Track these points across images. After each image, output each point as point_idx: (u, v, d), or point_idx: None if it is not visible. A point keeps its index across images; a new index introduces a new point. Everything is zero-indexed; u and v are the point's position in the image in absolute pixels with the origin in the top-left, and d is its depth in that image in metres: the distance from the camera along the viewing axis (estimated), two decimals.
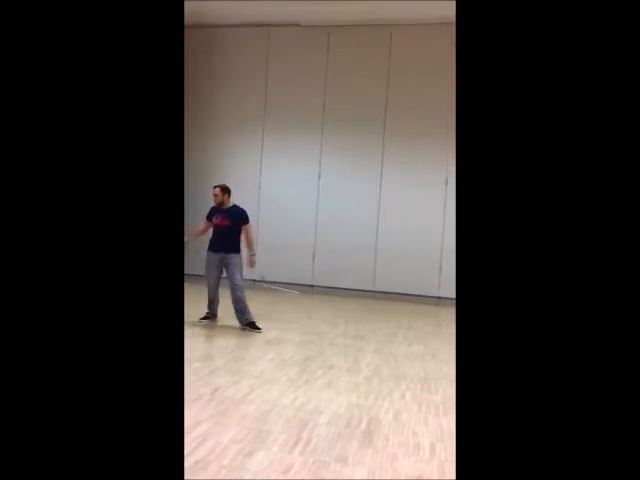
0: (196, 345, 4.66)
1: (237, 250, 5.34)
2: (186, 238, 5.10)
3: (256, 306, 6.98)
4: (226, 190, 5.41)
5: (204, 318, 5.43)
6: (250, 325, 5.24)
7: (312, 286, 8.36)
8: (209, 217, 5.49)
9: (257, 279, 8.52)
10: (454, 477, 1.35)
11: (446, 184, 7.73)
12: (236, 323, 5.30)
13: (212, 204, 5.49)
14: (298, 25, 8.28)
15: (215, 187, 5.47)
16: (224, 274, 5.37)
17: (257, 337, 5.07)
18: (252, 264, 5.44)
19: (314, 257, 8.43)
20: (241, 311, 5.26)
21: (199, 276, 7.99)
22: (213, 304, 5.47)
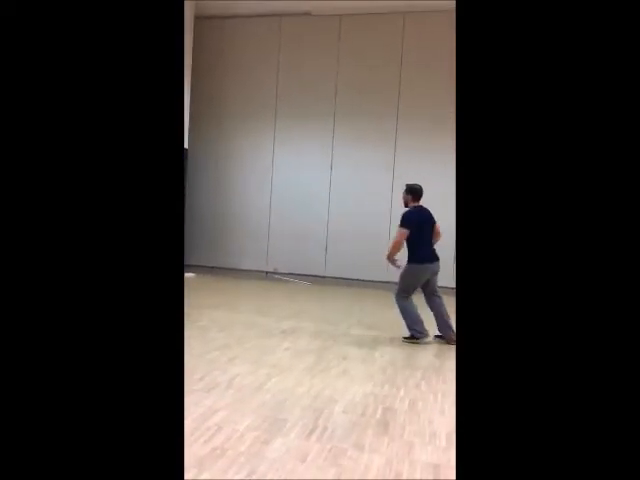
0: (215, 335, 4.68)
1: None
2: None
3: (269, 297, 7.02)
4: None
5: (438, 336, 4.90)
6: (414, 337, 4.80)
7: (324, 277, 8.35)
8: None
9: (269, 271, 8.55)
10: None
11: None
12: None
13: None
14: (309, 14, 8.23)
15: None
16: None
17: (272, 327, 5.08)
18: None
19: (326, 248, 8.42)
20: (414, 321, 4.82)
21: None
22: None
